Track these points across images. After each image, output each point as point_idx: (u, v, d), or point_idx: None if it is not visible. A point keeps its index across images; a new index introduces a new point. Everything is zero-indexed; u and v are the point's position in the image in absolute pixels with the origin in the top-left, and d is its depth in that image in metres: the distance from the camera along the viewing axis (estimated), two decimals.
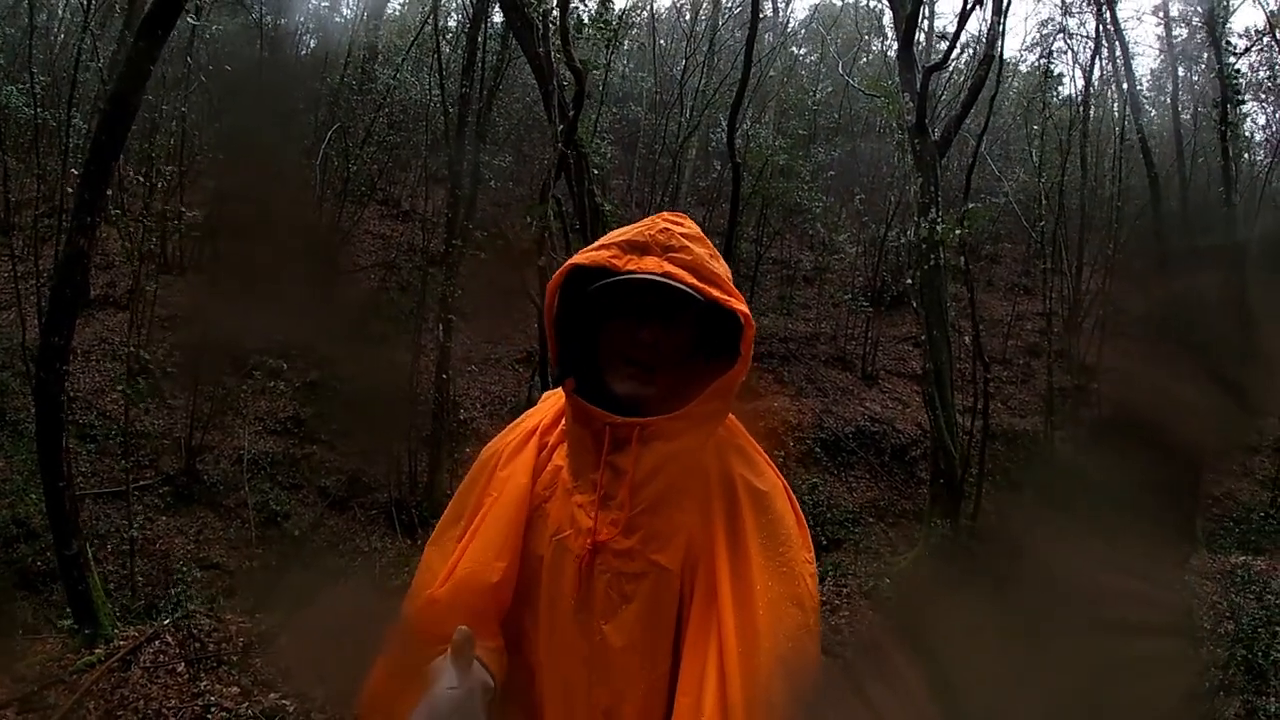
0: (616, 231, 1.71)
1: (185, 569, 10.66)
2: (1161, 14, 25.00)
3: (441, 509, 1.89)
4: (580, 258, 1.66)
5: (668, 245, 1.64)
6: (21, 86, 13.77)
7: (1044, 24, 28.21)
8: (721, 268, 1.67)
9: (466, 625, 1.59)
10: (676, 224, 1.70)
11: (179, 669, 7.49)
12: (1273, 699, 8.84)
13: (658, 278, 1.59)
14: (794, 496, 1.78)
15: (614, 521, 1.66)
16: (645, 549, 1.65)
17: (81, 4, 14.96)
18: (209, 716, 6.99)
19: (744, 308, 1.61)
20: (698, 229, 1.73)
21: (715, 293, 1.60)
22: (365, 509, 15.02)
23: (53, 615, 9.76)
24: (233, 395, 14.71)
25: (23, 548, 11.32)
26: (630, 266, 1.62)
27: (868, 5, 31.93)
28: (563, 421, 1.82)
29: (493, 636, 1.70)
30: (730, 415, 1.78)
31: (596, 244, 1.69)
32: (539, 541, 1.74)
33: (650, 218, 1.73)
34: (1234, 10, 16.95)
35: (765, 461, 1.79)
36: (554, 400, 1.92)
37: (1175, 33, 25.39)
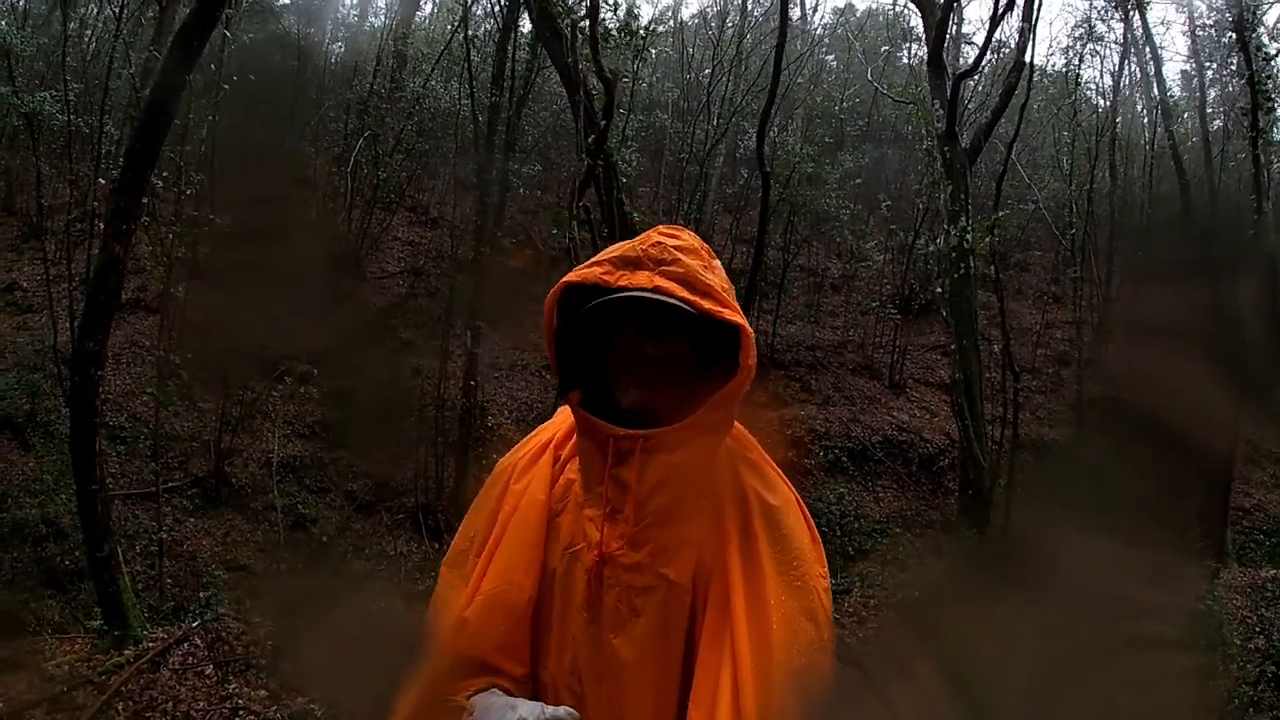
0: (611, 247, 1.72)
1: (213, 571, 10.72)
2: (1188, 19, 24.71)
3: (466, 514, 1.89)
4: (573, 275, 1.68)
5: (659, 259, 1.65)
6: (55, 93, 13.92)
7: (1075, 27, 27.91)
8: (716, 279, 1.67)
9: (501, 653, 1.66)
10: (671, 237, 1.71)
11: (207, 671, 7.54)
12: None
13: (647, 293, 1.59)
14: (806, 510, 1.78)
15: (621, 535, 1.66)
16: (654, 563, 1.66)
17: (114, 12, 15.11)
18: (237, 719, 7.03)
19: (739, 319, 1.61)
20: (695, 241, 1.74)
21: (708, 305, 1.61)
22: (392, 513, 15.05)
23: (81, 615, 9.85)
24: (261, 399, 14.79)
25: (52, 547, 11.42)
26: (622, 282, 1.63)
27: (894, 10, 31.86)
28: (574, 436, 1.83)
29: (521, 663, 1.71)
30: (741, 428, 1.78)
31: (590, 260, 1.71)
32: (552, 555, 1.75)
33: (646, 232, 1.74)
34: (1264, 13, 16.64)
35: (777, 474, 1.79)
36: (568, 414, 1.90)
37: (1201, 35, 25.11)
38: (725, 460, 1.74)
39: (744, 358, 1.62)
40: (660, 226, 1.76)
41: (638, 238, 1.71)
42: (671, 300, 1.59)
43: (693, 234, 1.77)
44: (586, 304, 1.66)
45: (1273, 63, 15.66)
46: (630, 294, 1.60)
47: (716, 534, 1.67)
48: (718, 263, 1.74)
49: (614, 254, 1.68)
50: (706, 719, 1.51)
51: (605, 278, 1.64)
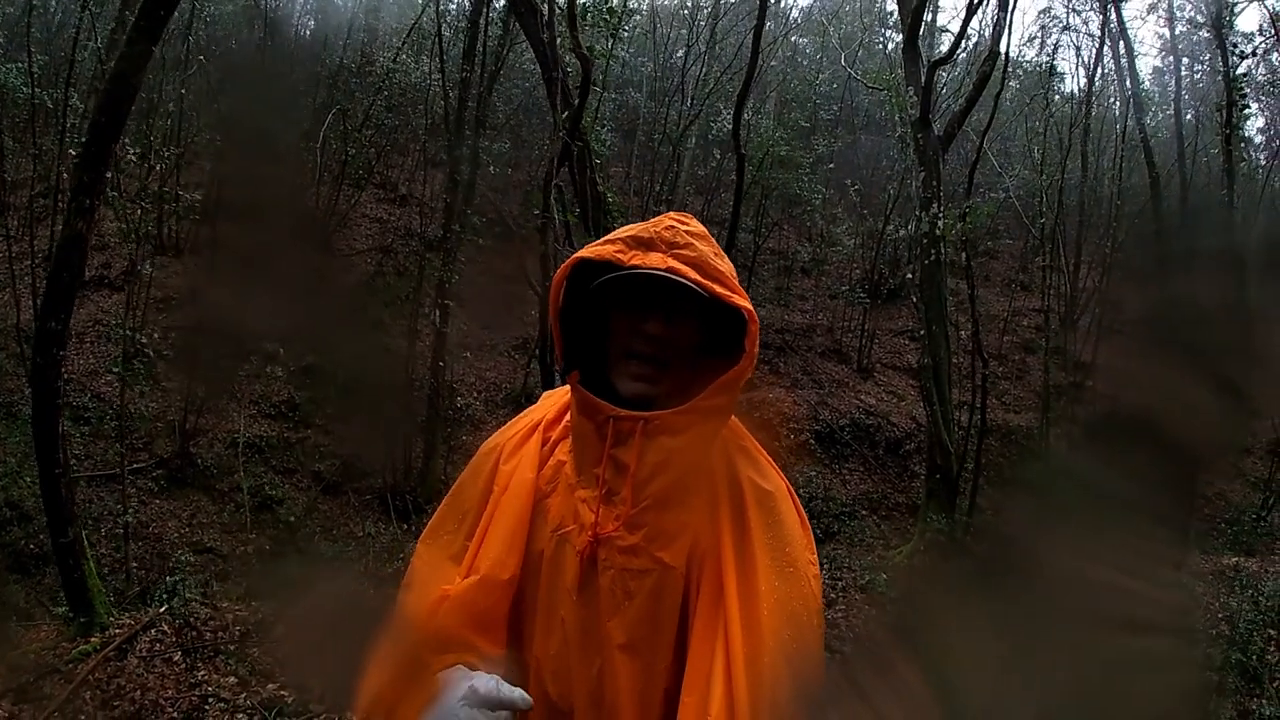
0: (623, 228, 1.72)
1: (179, 554, 10.62)
2: (1165, 14, 24.95)
3: (435, 495, 1.88)
4: (586, 252, 1.68)
5: (673, 242, 1.66)
6: (19, 65, 13.64)
7: (1044, 12, 28.11)
8: (726, 265, 1.68)
9: (478, 631, 1.65)
10: (682, 222, 1.72)
11: (175, 658, 7.44)
12: (1266, 702, 8.90)
13: (661, 272, 1.60)
14: (797, 498, 1.79)
15: (618, 517, 1.66)
16: (650, 546, 1.65)
17: None
18: (206, 707, 6.95)
19: (747, 304, 1.63)
20: (703, 228, 1.75)
21: (718, 289, 1.62)
22: (359, 494, 15.00)
23: (46, 600, 9.72)
24: (228, 379, 14.64)
25: (15, 530, 11.29)
26: (635, 261, 1.63)
27: None
28: (565, 417, 1.83)
29: (497, 642, 1.71)
30: (734, 418, 1.79)
31: (603, 239, 1.71)
32: (539, 537, 1.74)
33: (658, 216, 1.74)
34: (1239, 12, 16.85)
35: (769, 463, 1.80)
36: (556, 397, 1.93)
37: (1178, 31, 25.39)
38: (720, 447, 1.74)
39: (749, 344, 1.63)
40: (671, 213, 1.76)
41: (649, 221, 1.72)
42: (684, 281, 1.60)
43: (699, 222, 1.78)
44: (595, 281, 1.67)
45: (1247, 60, 15.82)
46: (645, 272, 1.62)
47: (711, 520, 1.67)
48: (723, 251, 1.76)
49: (627, 234, 1.69)
50: (700, 703, 1.51)
51: (618, 256, 1.64)
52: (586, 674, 1.67)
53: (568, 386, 1.76)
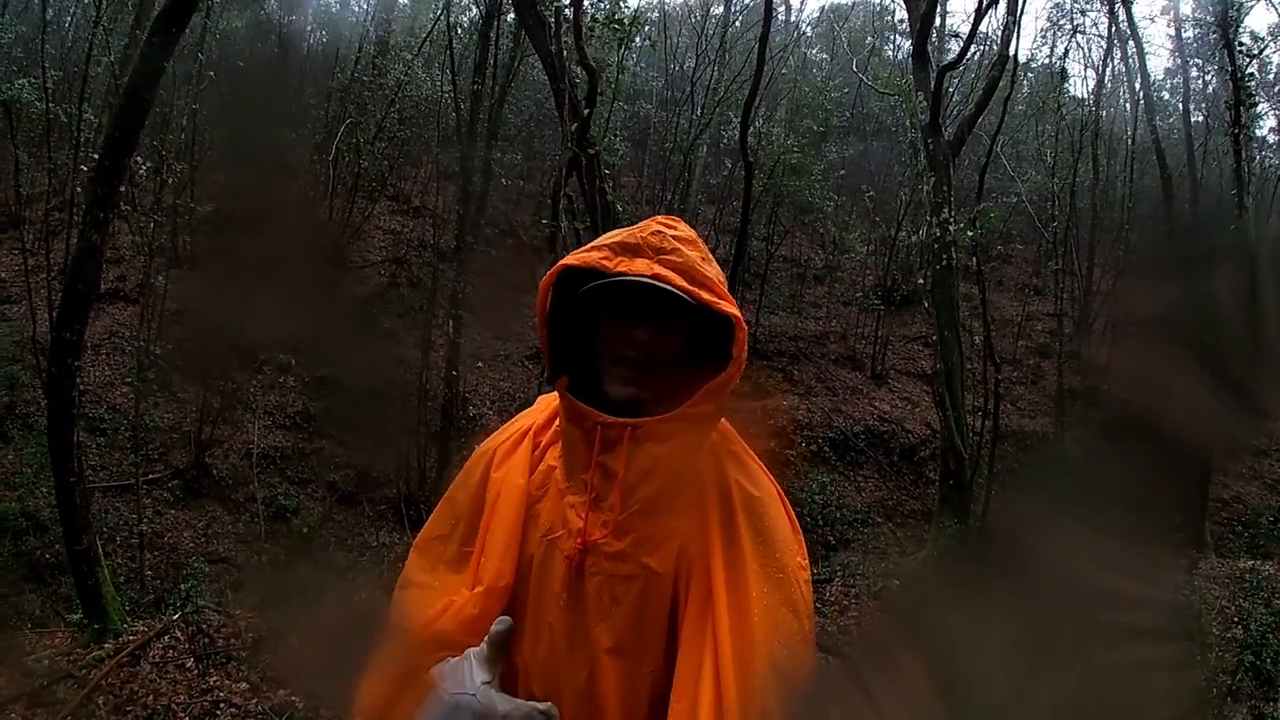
0: (609, 234, 1.71)
1: (194, 563, 10.67)
2: (1173, 15, 24.89)
3: None
4: (572, 259, 1.67)
5: (659, 248, 1.64)
6: (34, 81, 13.78)
7: (1054, 10, 27.95)
8: (713, 271, 1.67)
9: (475, 639, 1.63)
10: (669, 227, 1.70)
11: (188, 664, 7.50)
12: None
13: (647, 279, 1.59)
14: (788, 503, 1.77)
15: (605, 523, 1.65)
16: (637, 552, 1.64)
17: None
18: (218, 712, 6.99)
19: (735, 311, 1.61)
20: (692, 232, 1.74)
21: (706, 295, 1.60)
22: (374, 504, 15.04)
23: (60, 608, 9.80)
24: (242, 390, 14.72)
25: (31, 540, 11.37)
26: (621, 268, 1.62)
27: (879, 3, 31.89)
28: (556, 422, 1.83)
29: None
30: (725, 422, 1.78)
31: (589, 245, 1.69)
32: (530, 541, 1.73)
33: (645, 221, 1.73)
34: (1247, 11, 16.80)
35: (760, 468, 1.78)
36: (548, 402, 1.91)
37: (1186, 35, 25.30)
38: (709, 453, 1.73)
39: (736, 350, 1.62)
40: (658, 216, 1.75)
41: (636, 226, 1.70)
42: (670, 288, 1.58)
43: (688, 226, 1.76)
44: (582, 288, 1.66)
45: (1257, 59, 15.76)
46: (629, 279, 1.60)
47: (699, 525, 1.66)
48: (711, 256, 1.74)
49: (613, 240, 1.67)
50: (689, 710, 1.51)
51: (604, 263, 1.63)
52: (574, 678, 1.66)
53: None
